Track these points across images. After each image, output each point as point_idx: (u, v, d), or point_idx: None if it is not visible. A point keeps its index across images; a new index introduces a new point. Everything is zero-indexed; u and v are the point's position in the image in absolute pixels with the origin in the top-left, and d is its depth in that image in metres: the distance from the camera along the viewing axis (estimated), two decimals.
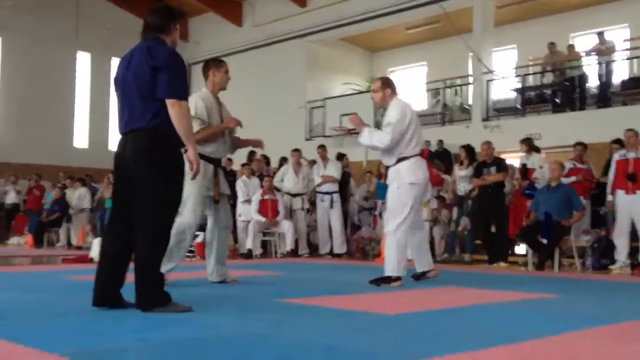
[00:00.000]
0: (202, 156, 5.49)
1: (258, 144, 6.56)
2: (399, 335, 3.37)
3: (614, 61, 13.84)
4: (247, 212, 11.30)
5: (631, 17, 15.00)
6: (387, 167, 6.42)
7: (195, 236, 7.91)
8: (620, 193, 8.84)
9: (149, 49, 4.01)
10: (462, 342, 3.11)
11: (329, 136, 16.44)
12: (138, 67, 4.00)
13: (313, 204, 11.93)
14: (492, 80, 15.35)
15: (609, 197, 9.14)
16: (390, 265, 5.97)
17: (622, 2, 15.14)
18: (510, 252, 10.35)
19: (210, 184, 5.71)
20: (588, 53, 14.21)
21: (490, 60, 15.56)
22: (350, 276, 7.34)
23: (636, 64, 14.22)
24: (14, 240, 16.02)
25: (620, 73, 14.05)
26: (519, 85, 15.23)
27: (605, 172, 9.99)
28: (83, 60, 21.31)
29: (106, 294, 4.03)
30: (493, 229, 9.70)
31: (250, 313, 4.15)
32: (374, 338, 3.26)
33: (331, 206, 11.42)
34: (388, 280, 5.94)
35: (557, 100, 14.37)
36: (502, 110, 15.50)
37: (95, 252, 8.73)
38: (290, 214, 11.66)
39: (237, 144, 6.13)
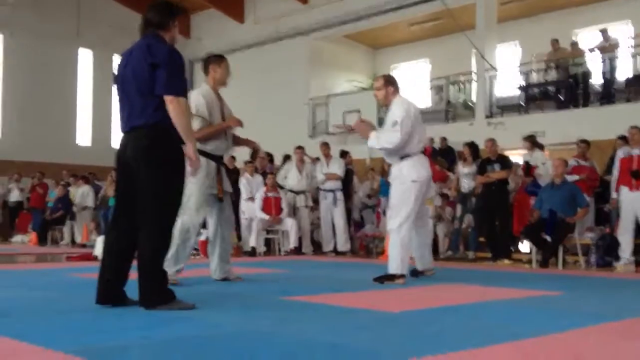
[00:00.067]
0: (204, 153, 5.51)
1: (255, 146, 6.56)
2: (402, 332, 3.37)
3: (617, 58, 13.81)
4: (251, 210, 11.30)
5: (634, 13, 14.94)
6: (390, 166, 6.42)
7: (199, 234, 7.91)
8: (624, 190, 8.82)
9: (148, 46, 4.01)
10: (466, 339, 3.11)
11: (332, 134, 16.41)
12: (137, 64, 4.00)
13: (316, 201, 11.93)
14: (495, 77, 15.31)
15: (614, 195, 9.12)
16: (394, 263, 5.98)
17: None
18: (514, 249, 10.34)
19: (212, 181, 5.70)
20: (592, 50, 14.18)
21: (493, 57, 15.53)
22: (353, 274, 7.33)
23: None
24: (17, 238, 16.07)
25: (624, 70, 14.00)
26: (523, 82, 15.19)
27: (609, 169, 9.99)
28: (85, 58, 21.31)
29: (110, 292, 4.03)
30: (497, 227, 9.69)
31: (254, 311, 4.15)
32: (377, 335, 3.26)
33: (334, 204, 11.41)
34: (392, 277, 5.94)
35: (561, 97, 14.33)
36: (506, 107, 15.46)
37: (99, 250, 8.73)
38: (294, 211, 11.65)
39: (236, 141, 6.12)
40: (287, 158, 13.16)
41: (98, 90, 21.01)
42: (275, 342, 3.01)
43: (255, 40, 19.94)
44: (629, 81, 13.62)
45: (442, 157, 12.62)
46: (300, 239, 11.41)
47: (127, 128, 4.08)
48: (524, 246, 10.84)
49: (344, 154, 12.76)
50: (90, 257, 9.06)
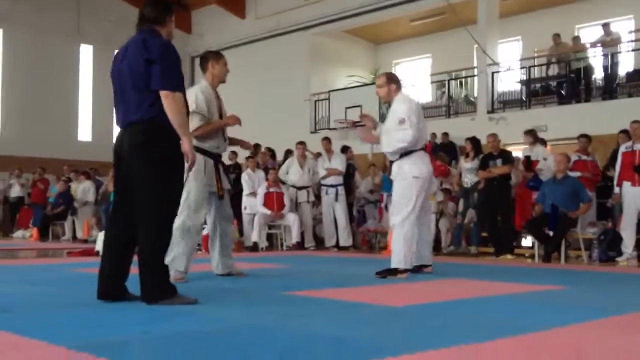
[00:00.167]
0: (202, 151, 5.50)
1: (249, 147, 6.57)
2: (405, 326, 3.37)
3: (619, 53, 13.79)
4: (253, 205, 11.30)
5: (636, 8, 14.91)
6: (392, 162, 6.43)
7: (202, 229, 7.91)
8: (627, 185, 8.80)
9: (144, 41, 4.00)
10: (468, 333, 3.10)
11: (334, 129, 16.43)
12: (133, 59, 3.99)
13: (318, 196, 11.92)
14: (497, 72, 15.29)
15: (616, 189, 9.10)
16: (397, 257, 5.99)
17: None
18: (516, 244, 10.33)
19: (211, 179, 5.68)
20: (593, 44, 14.15)
21: (495, 52, 15.50)
22: (356, 269, 7.33)
23: None
24: (18, 233, 16.08)
25: (626, 64, 13.98)
26: (524, 77, 15.18)
27: (610, 163, 9.98)
28: (86, 53, 21.28)
29: (111, 287, 4.03)
30: (499, 221, 9.69)
31: (256, 306, 4.14)
32: (380, 330, 3.26)
33: (336, 199, 11.41)
34: (394, 272, 5.96)
35: (563, 92, 14.32)
36: (508, 103, 15.46)
37: (100, 245, 8.73)
38: (296, 206, 11.65)
39: (230, 141, 6.11)
40: (289, 153, 13.15)
41: (98, 85, 20.92)
42: (278, 336, 3.01)
43: (256, 35, 19.92)
44: (630, 75, 13.60)
45: (444, 152, 12.62)
46: (302, 234, 11.41)
47: (124, 124, 4.07)
48: (527, 241, 10.83)
49: (345, 149, 12.75)
50: (92, 253, 9.07)
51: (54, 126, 19.69)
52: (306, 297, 4.50)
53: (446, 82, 16.93)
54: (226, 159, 10.58)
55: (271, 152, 13.52)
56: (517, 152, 11.41)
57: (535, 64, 15.59)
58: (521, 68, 15.57)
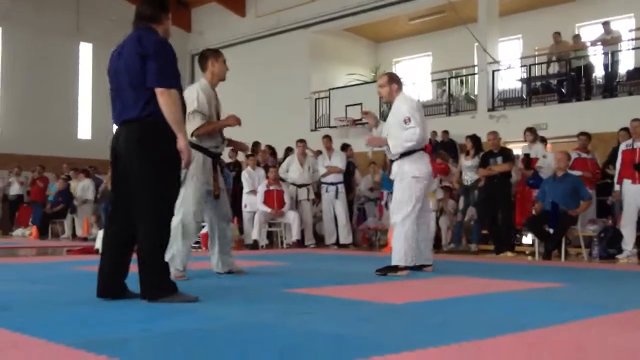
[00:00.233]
0: (201, 149, 5.49)
1: (243, 148, 6.56)
2: (405, 324, 3.36)
3: (619, 51, 13.78)
4: (253, 203, 11.29)
5: (637, 6, 14.91)
6: (392, 161, 6.44)
7: (202, 226, 7.91)
8: (627, 182, 8.81)
9: (139, 38, 3.99)
10: (469, 330, 3.10)
11: (334, 127, 16.43)
12: (129, 56, 3.98)
13: (318, 194, 11.92)
14: (497, 70, 15.28)
15: (616, 187, 9.10)
16: (397, 255, 6.01)
17: None
18: (516, 241, 10.33)
19: (209, 178, 5.67)
20: (594, 43, 14.14)
21: (495, 50, 15.49)
22: (356, 266, 7.33)
23: None
24: (18, 231, 16.08)
25: (626, 63, 13.98)
26: (525, 75, 15.17)
27: (610, 161, 9.97)
28: (85, 52, 21.26)
29: (110, 285, 4.02)
30: (499, 219, 9.68)
31: (257, 303, 4.14)
32: (380, 327, 3.25)
33: (336, 197, 11.40)
34: (395, 269, 5.96)
35: (563, 90, 14.31)
36: (508, 101, 15.46)
37: (100, 243, 8.73)
38: (296, 204, 11.64)
39: (227, 142, 6.11)
40: (289, 151, 13.14)
41: (98, 84, 20.85)
42: (278, 334, 3.00)
43: (256, 33, 19.91)
44: (630, 74, 13.60)
45: (444, 151, 12.61)
46: (302, 232, 11.41)
47: (120, 121, 4.06)
48: (527, 238, 10.83)
49: (345, 147, 12.74)
50: (91, 251, 9.06)
51: (54, 124, 19.68)
52: (306, 295, 4.50)
53: (447, 80, 16.93)
54: (226, 157, 10.59)
55: (271, 150, 13.51)
56: (518, 150, 11.42)
57: (536, 62, 15.59)
58: (521, 66, 15.56)
